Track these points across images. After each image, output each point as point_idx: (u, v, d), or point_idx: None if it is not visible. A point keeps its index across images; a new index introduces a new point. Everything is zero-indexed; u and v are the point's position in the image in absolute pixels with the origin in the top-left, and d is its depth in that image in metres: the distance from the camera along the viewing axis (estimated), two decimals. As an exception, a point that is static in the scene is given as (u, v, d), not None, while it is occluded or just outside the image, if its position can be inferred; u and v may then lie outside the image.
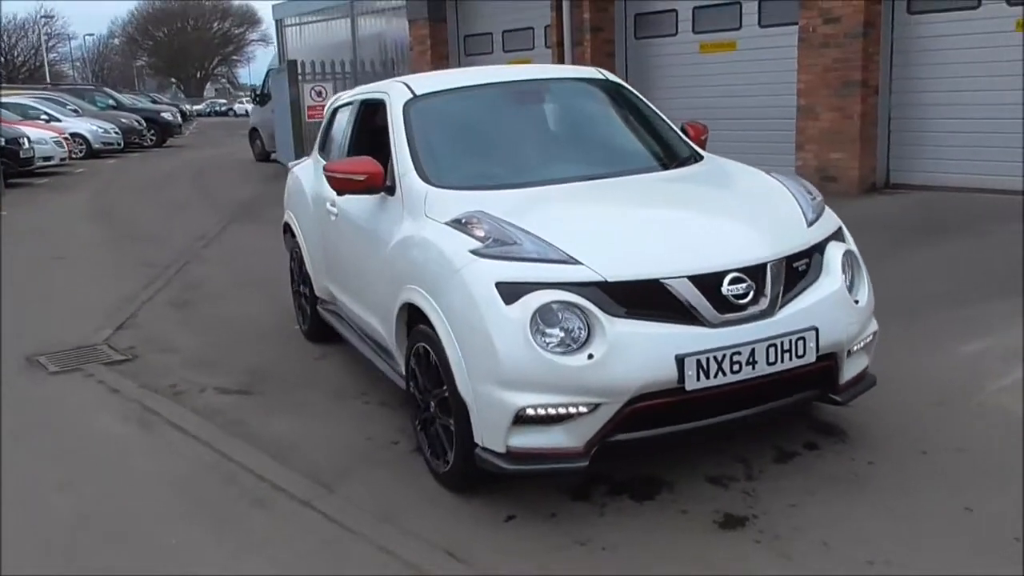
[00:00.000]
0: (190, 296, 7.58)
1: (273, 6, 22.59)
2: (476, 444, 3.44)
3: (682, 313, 3.28)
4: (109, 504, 3.89)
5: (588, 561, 3.21)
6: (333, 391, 5.08)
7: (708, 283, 3.31)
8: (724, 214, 3.79)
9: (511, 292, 3.28)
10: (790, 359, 3.37)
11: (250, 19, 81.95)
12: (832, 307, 3.52)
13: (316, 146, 5.87)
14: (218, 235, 10.65)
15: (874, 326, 3.80)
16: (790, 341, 3.35)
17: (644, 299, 3.28)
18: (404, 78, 4.93)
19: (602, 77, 4.98)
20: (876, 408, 4.12)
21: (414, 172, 4.14)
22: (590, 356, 3.18)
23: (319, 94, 14.97)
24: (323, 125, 5.87)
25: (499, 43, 14.91)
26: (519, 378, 3.23)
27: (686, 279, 3.29)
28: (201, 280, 8.16)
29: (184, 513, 3.76)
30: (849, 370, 3.68)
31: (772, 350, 3.32)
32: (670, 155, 4.50)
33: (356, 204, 4.53)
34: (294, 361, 5.67)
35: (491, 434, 3.35)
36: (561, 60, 12.29)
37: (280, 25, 22.07)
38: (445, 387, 3.57)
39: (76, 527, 3.69)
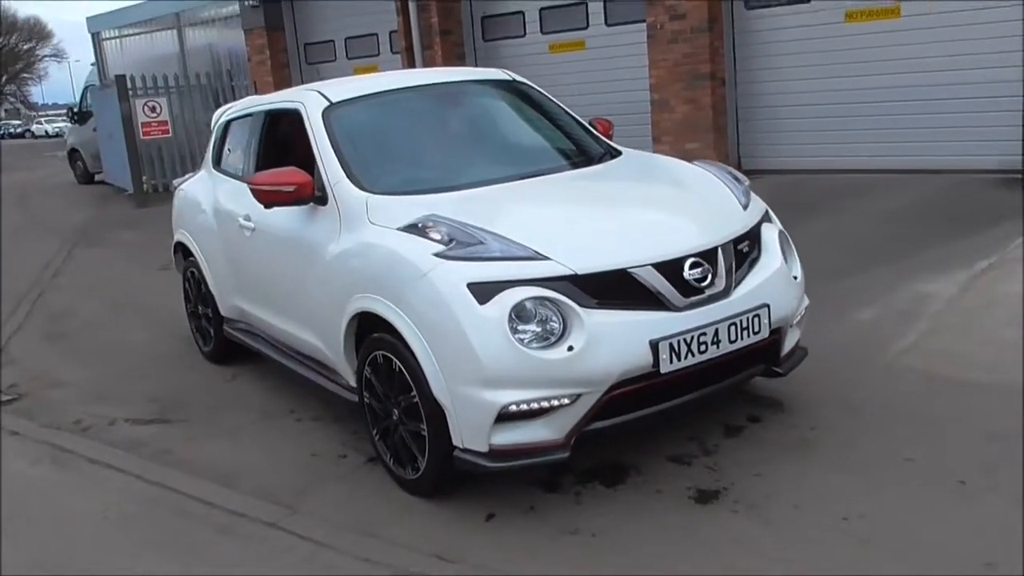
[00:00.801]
0: (62, 327, 7.13)
1: (87, 19, 21.38)
2: (455, 447, 3.44)
3: (650, 300, 3.41)
4: (57, 548, 3.64)
5: (582, 548, 3.28)
6: (258, 411, 4.92)
7: (670, 269, 3.44)
8: (670, 204, 3.95)
9: (484, 291, 3.30)
10: (748, 336, 3.55)
11: (39, 33, 76.60)
12: (777, 284, 3.74)
13: (209, 161, 5.66)
14: (66, 262, 10.02)
15: (806, 300, 4.05)
16: (747, 319, 3.54)
17: (613, 289, 3.38)
18: (313, 86, 4.83)
19: (509, 78, 5.05)
20: (801, 377, 4.38)
21: (347, 180, 4.08)
22: (570, 348, 3.25)
23: (153, 110, 14.30)
24: (214, 139, 5.66)
25: (342, 50, 14.71)
26: (501, 376, 3.26)
27: (651, 267, 3.41)
28: (68, 310, 7.68)
29: (144, 548, 3.58)
30: (788, 343, 3.91)
31: (732, 329, 3.50)
32: (593, 150, 4.63)
33: (279, 217, 4.41)
34: (204, 385, 5.45)
35: (472, 434, 3.36)
36: (412, 65, 12.28)
37: (97, 39, 20.93)
38: (413, 393, 3.55)
39: (28, 578, 3.45)
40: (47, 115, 64.99)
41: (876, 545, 3.09)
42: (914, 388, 4.31)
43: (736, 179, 4.13)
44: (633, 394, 3.40)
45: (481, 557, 3.28)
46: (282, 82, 14.54)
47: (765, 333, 3.62)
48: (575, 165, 4.41)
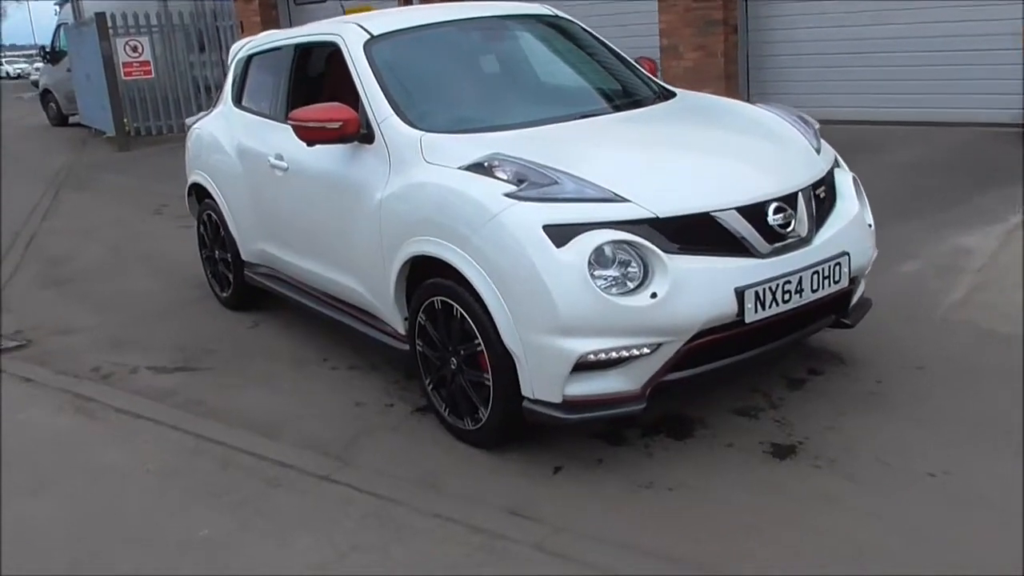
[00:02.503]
0: (63, 273, 6.85)
1: (58, -46, 20.60)
2: (524, 398, 3.28)
3: (733, 246, 3.25)
4: (101, 505, 3.45)
5: (660, 502, 3.15)
6: (289, 359, 4.73)
7: (753, 214, 3.29)
8: (744, 146, 3.77)
9: (560, 234, 3.12)
10: (829, 285, 3.41)
11: (-5, -29, 74.24)
12: (855, 232, 3.60)
13: (228, 98, 5.38)
14: (53, 206, 9.68)
15: (875, 250, 3.92)
16: (829, 267, 3.40)
17: (695, 234, 3.22)
18: (349, 19, 4.58)
19: (552, 13, 4.82)
20: (856, 329, 4.26)
21: (395, 117, 3.86)
22: (653, 295, 3.09)
23: (135, 49, 13.84)
24: (234, 75, 5.39)
25: (331, -10, 14.25)
26: (579, 324, 3.09)
27: (734, 211, 3.25)
28: (65, 255, 7.39)
29: (194, 504, 3.39)
30: (856, 293, 3.78)
31: (815, 277, 3.35)
32: (645, 90, 4.43)
33: (318, 157, 4.18)
34: (225, 333, 5.24)
35: (545, 385, 3.20)
36: (408, 2, 11.91)
37: (68, -25, 20.14)
38: (477, 341, 3.38)
39: (80, 535, 3.26)
40: (7, 56, 63.08)
41: (971, 504, 2.99)
42: (972, 342, 4.20)
43: (805, 121, 3.96)
44: (713, 344, 3.26)
45: (555, 512, 3.14)
46: (270, 22, 14.10)
47: (845, 282, 3.48)
48: (631, 105, 4.20)
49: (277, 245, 4.85)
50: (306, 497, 3.37)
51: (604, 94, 4.40)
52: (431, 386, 3.76)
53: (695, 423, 3.65)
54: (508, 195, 3.23)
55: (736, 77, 9.72)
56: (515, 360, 3.25)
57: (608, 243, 3.10)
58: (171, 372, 4.71)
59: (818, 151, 3.78)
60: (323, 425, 3.94)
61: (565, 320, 3.09)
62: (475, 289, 3.30)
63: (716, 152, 3.66)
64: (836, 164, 3.85)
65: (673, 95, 4.41)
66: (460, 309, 3.43)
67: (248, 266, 5.24)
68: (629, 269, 3.13)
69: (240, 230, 5.17)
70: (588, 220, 3.15)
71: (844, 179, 3.75)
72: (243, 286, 5.35)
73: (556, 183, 3.25)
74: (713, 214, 3.23)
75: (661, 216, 3.18)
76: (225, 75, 5.59)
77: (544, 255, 3.11)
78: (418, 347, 3.76)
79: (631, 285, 3.12)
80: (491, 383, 3.39)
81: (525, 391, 3.27)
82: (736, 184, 3.36)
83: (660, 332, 3.13)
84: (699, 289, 3.13)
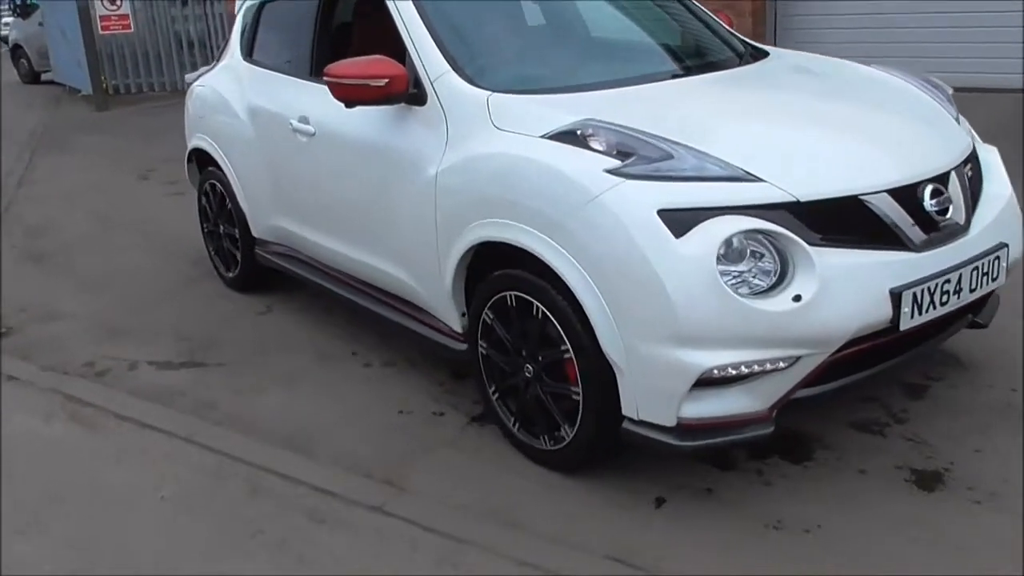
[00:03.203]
0: (45, 246, 6.15)
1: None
2: (625, 417, 2.70)
3: (884, 236, 2.67)
4: (112, 540, 2.85)
5: (796, 547, 2.59)
6: (312, 353, 4.12)
7: (907, 197, 2.70)
8: (882, 115, 3.16)
9: (680, 221, 2.53)
10: (987, 283, 2.85)
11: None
12: (1010, 218, 3.03)
13: (237, 51, 4.70)
14: (29, 169, 8.93)
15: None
16: (988, 262, 2.83)
17: (841, 222, 2.63)
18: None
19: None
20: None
21: (453, 73, 3.23)
22: (796, 297, 2.51)
23: (112, 1, 12.99)
24: (243, 25, 4.71)
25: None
26: (703, 332, 2.51)
27: (886, 194, 2.67)
28: (47, 225, 6.68)
29: (222, 541, 2.80)
30: (992, 288, 3.22)
31: (975, 274, 2.79)
32: (736, 47, 3.83)
33: (354, 120, 3.54)
34: (235, 319, 4.61)
35: (656, 404, 2.62)
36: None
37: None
38: (565, 347, 2.79)
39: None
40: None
41: None
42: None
43: (935, 86, 3.37)
44: (856, 355, 2.69)
45: (665, 558, 2.57)
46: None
47: (1002, 279, 2.92)
48: (725, 64, 3.59)
49: (296, 221, 4.21)
50: (358, 537, 2.78)
51: (692, 51, 3.79)
52: (496, 395, 3.18)
53: (812, 442, 3.09)
54: (611, 171, 2.62)
55: (763, 39, 9.11)
56: (616, 372, 2.67)
57: (740, 233, 2.51)
58: (176, 368, 4.09)
59: (957, 121, 3.20)
60: (363, 438, 3.35)
61: (686, 327, 2.50)
62: (566, 285, 2.71)
63: (849, 124, 3.04)
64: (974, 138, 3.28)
65: (766, 54, 3.80)
66: (542, 308, 2.84)
67: (260, 244, 4.60)
68: (761, 264, 2.55)
69: (251, 203, 4.52)
70: (714, 204, 2.56)
71: (989, 156, 3.18)
72: (253, 266, 4.72)
73: (671, 157, 2.64)
74: (862, 198, 2.64)
75: (802, 200, 2.58)
76: (231, 25, 4.91)
77: (660, 247, 2.52)
78: (481, 349, 3.17)
79: (763, 284, 2.54)
80: (580, 398, 2.81)
81: (627, 410, 2.69)
82: (883, 162, 2.77)
83: (802, 343, 2.55)
84: (850, 291, 2.55)
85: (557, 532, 2.73)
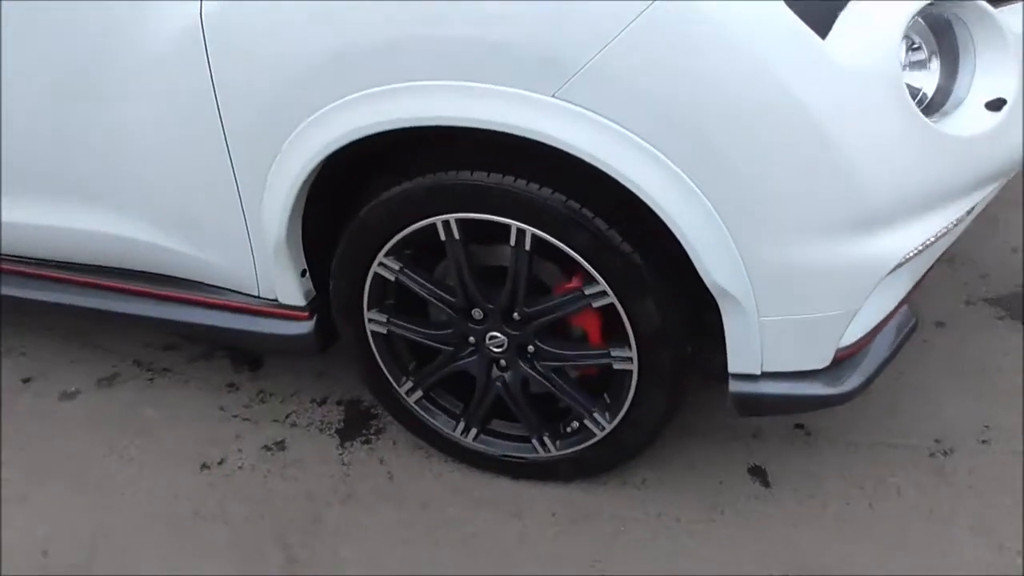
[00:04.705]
0: None
1: None
2: (732, 375, 1.57)
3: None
4: None
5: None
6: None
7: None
8: None
9: (817, 11, 1.36)
10: None
11: None
12: None
13: None
14: None
15: None
16: None
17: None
18: None
19: None
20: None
21: None
22: (996, 104, 1.49)
23: None
24: None
25: None
26: (897, 197, 1.43)
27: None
28: None
29: None
30: None
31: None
32: None
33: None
34: None
35: (800, 340, 1.53)
36: None
37: None
38: (595, 290, 1.56)
39: None
40: None
41: None
42: None
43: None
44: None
45: None
46: None
47: None
48: None
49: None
50: None
51: None
52: (417, 392, 1.84)
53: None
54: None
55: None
56: (721, 307, 1.50)
57: (919, 14, 1.41)
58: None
59: None
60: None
61: (872, 195, 1.40)
62: (599, 177, 1.43)
63: None
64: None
65: None
66: (532, 230, 1.54)
67: None
68: (911, 56, 1.49)
69: None
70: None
71: None
72: None
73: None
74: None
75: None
76: None
77: (799, 57, 1.34)
78: (374, 326, 1.78)
79: (927, 93, 1.50)
80: (635, 364, 1.61)
81: (738, 365, 1.55)
82: None
83: (994, 178, 1.58)
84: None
85: None
